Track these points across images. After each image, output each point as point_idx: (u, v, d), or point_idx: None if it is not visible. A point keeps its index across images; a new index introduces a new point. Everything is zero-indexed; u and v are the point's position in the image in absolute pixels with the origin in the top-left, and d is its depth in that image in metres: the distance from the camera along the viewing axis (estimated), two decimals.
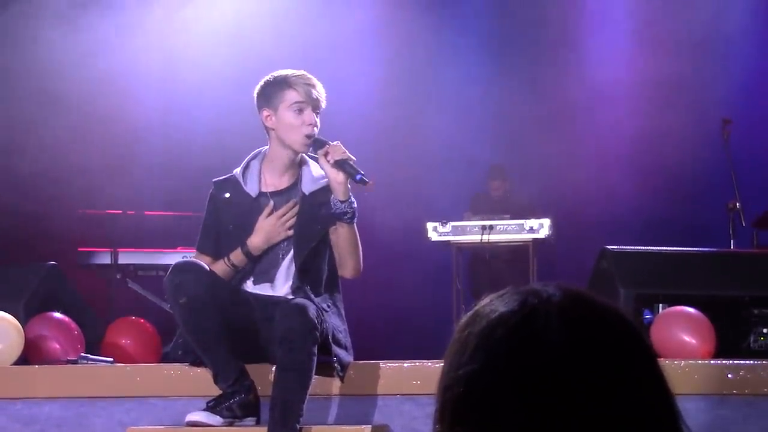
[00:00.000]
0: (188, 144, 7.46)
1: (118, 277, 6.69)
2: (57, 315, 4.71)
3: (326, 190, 3.88)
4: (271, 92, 3.85)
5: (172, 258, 5.91)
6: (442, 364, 1.02)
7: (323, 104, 3.86)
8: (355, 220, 3.84)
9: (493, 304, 1.01)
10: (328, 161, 3.77)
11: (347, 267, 3.90)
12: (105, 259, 6.77)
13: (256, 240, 3.88)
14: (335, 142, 3.79)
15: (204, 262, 3.84)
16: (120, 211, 6.89)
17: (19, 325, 4.40)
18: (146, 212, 7.12)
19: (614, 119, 8.19)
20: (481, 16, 8.61)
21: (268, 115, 3.85)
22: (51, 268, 5.07)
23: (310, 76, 3.88)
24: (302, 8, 7.91)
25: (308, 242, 3.86)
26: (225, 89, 6.93)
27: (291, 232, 3.88)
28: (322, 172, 3.88)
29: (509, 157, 8.04)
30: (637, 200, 7.99)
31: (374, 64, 8.40)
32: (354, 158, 3.79)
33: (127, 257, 6.74)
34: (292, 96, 3.82)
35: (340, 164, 3.75)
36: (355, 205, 3.82)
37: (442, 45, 8.43)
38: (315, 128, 3.82)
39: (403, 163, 8.09)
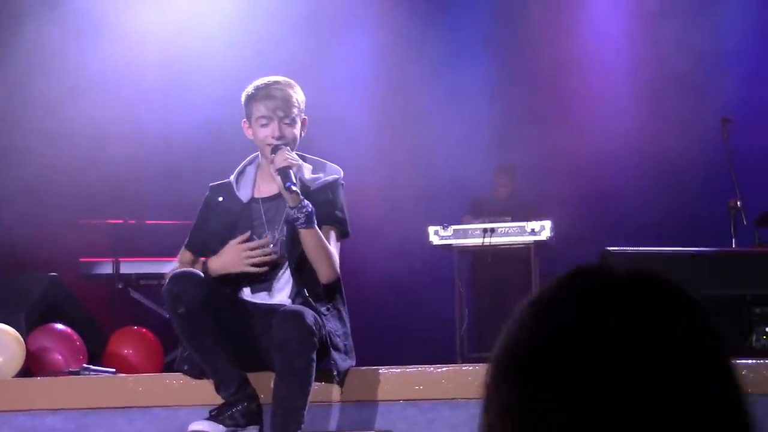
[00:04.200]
0: (189, 152, 7.46)
1: (119, 286, 6.68)
2: (59, 326, 4.71)
3: (317, 192, 3.90)
4: (246, 106, 3.93)
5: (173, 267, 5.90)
6: (499, 341, 0.97)
7: (294, 110, 3.87)
8: (313, 225, 3.78)
9: (552, 282, 0.98)
10: (275, 168, 3.79)
11: (318, 273, 3.85)
12: (106, 269, 6.76)
13: (215, 263, 3.88)
14: (283, 149, 3.80)
15: (186, 259, 3.94)
16: (121, 221, 6.89)
17: (21, 337, 4.40)
18: (147, 221, 7.11)
19: (614, 119, 8.18)
20: (481, 18, 8.61)
21: (247, 128, 3.94)
22: (52, 279, 5.08)
23: (277, 85, 3.88)
24: (303, 10, 7.91)
25: (298, 245, 3.86)
26: (226, 96, 6.92)
27: (251, 269, 3.85)
28: (315, 175, 3.92)
29: (510, 159, 8.03)
30: (637, 201, 7.99)
31: (375, 67, 8.40)
32: (298, 163, 3.78)
33: (128, 267, 6.74)
34: (259, 110, 3.87)
35: (280, 171, 3.77)
36: (309, 210, 3.77)
37: (444, 48, 8.43)
38: (279, 140, 3.83)
39: (403, 166, 8.10)
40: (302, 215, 3.76)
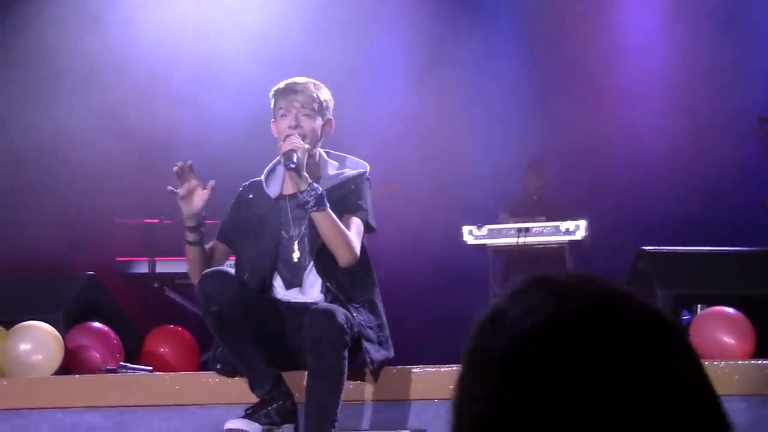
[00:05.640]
0: (225, 152, 7.50)
1: (155, 285, 6.73)
2: (96, 325, 4.75)
3: (339, 187, 3.92)
4: (272, 104, 3.99)
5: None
6: (455, 381, 0.90)
7: (314, 104, 3.91)
8: (325, 208, 3.79)
9: (518, 305, 0.89)
10: (281, 152, 3.84)
11: (336, 256, 3.86)
12: (143, 268, 6.81)
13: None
14: (292, 135, 3.84)
15: (216, 249, 4.03)
16: (157, 220, 6.93)
17: (59, 335, 4.44)
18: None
19: (649, 118, 8.13)
20: (513, 15, 8.59)
21: (273, 125, 4.00)
22: (90, 278, 5.12)
23: (299, 82, 3.95)
24: (335, 9, 7.92)
25: (320, 239, 3.88)
26: (260, 95, 6.96)
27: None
28: (340, 171, 3.97)
29: (543, 158, 8.00)
30: (673, 200, 7.93)
31: (407, 68, 8.40)
32: (304, 147, 3.80)
33: (164, 266, 6.78)
34: (279, 105, 3.95)
35: (284, 154, 3.81)
36: (319, 192, 3.79)
37: (477, 46, 8.40)
38: (295, 129, 3.88)
39: (438, 166, 8.09)
40: (312, 198, 3.78)
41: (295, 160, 3.77)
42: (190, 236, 3.95)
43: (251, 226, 4.01)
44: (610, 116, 8.19)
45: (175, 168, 3.91)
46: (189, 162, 3.94)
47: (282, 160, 3.83)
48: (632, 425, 0.83)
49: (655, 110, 8.15)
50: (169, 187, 3.90)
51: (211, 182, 3.91)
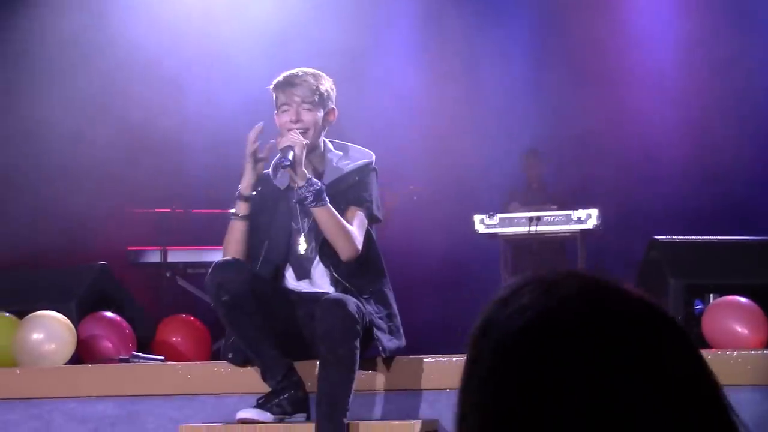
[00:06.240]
0: (236, 141, 7.50)
1: (167, 275, 6.74)
2: (108, 314, 4.76)
3: (343, 179, 3.91)
4: (273, 97, 3.97)
5: (220, 255, 5.93)
6: (459, 384, 0.90)
7: (315, 97, 3.90)
8: (324, 203, 3.79)
9: (505, 309, 0.88)
10: (279, 148, 3.84)
11: (337, 249, 3.86)
12: (154, 257, 6.82)
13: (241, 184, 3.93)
14: (292, 131, 3.83)
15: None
16: (168, 209, 6.94)
17: (72, 325, 4.46)
18: (194, 210, 7.17)
19: (661, 107, 8.10)
20: (525, 3, 8.55)
21: (276, 117, 3.97)
22: (101, 267, 5.12)
23: (299, 74, 3.93)
24: (347, 1, 7.91)
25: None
26: (266, 82, 6.95)
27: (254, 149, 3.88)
28: (344, 162, 3.95)
29: (555, 147, 7.99)
30: (686, 189, 7.90)
31: (416, 56, 8.38)
32: (302, 143, 3.79)
33: (176, 255, 6.80)
34: (280, 98, 3.94)
35: (282, 150, 3.80)
36: (317, 187, 3.79)
37: (485, 36, 8.38)
38: (296, 123, 3.87)
39: (449, 156, 8.08)
40: (310, 194, 3.78)
41: (290, 157, 3.75)
42: (244, 208, 3.92)
43: (263, 217, 4.00)
44: (622, 105, 8.16)
45: (259, 127, 3.86)
46: (262, 124, 3.90)
47: (279, 157, 3.81)
48: (626, 421, 0.82)
49: (667, 98, 8.11)
50: (272, 141, 3.87)
51: (259, 125, 3.88)
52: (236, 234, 3.94)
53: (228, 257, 3.92)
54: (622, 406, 0.82)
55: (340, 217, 3.83)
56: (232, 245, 3.94)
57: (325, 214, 3.80)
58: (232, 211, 3.95)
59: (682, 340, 0.87)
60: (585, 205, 6.89)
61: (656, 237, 4.84)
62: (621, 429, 0.82)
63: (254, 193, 3.95)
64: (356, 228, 3.87)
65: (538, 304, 0.87)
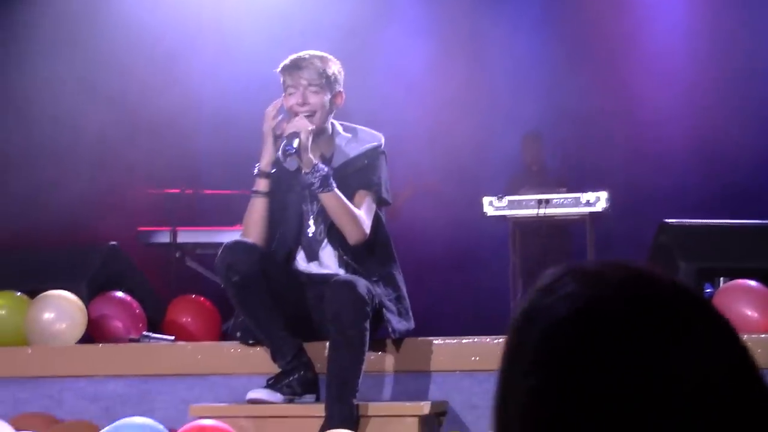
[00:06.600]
0: (247, 121, 7.50)
1: (177, 255, 6.75)
2: (119, 294, 4.77)
3: (351, 162, 3.91)
4: (281, 80, 3.96)
5: (230, 236, 5.89)
6: (498, 371, 0.91)
7: (322, 80, 3.89)
8: (330, 188, 3.79)
9: (548, 297, 0.89)
10: (285, 134, 3.84)
11: (345, 234, 3.87)
12: (164, 237, 6.82)
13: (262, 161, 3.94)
14: (299, 116, 3.83)
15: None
16: (178, 190, 6.94)
17: (83, 304, 4.47)
18: (204, 190, 7.17)
19: (672, 90, 8.07)
20: None
21: (284, 99, 3.95)
22: (112, 247, 5.14)
23: (306, 56, 3.92)
24: None
25: None
26: (274, 63, 6.95)
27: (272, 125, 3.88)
28: (353, 144, 3.95)
29: (565, 129, 7.97)
30: (696, 172, 7.88)
31: (428, 37, 8.36)
32: (308, 129, 3.79)
33: (186, 236, 6.79)
34: (287, 81, 3.93)
35: (287, 136, 3.81)
36: (324, 173, 3.79)
37: (493, 16, 8.35)
38: (303, 107, 3.86)
39: (457, 138, 8.06)
40: (316, 179, 3.79)
41: (294, 145, 3.75)
42: (264, 185, 3.93)
43: (277, 197, 4.00)
44: (632, 88, 8.13)
45: (277, 103, 3.87)
46: (280, 100, 3.90)
47: (284, 144, 3.81)
48: (669, 408, 0.84)
49: (677, 82, 8.08)
50: (284, 119, 3.87)
51: (278, 101, 3.88)
52: (258, 212, 3.93)
53: (245, 238, 3.91)
54: (667, 389, 0.84)
55: (348, 202, 3.83)
56: (253, 225, 3.94)
57: (332, 199, 3.81)
58: (253, 189, 3.95)
59: (725, 328, 0.89)
60: (594, 188, 6.87)
61: (666, 220, 4.83)
62: (666, 412, 0.83)
63: (273, 170, 3.95)
64: (364, 212, 3.87)
65: (584, 292, 0.88)
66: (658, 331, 0.86)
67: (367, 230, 3.86)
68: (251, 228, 3.93)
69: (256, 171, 3.94)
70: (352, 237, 3.85)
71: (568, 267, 0.92)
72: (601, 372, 0.84)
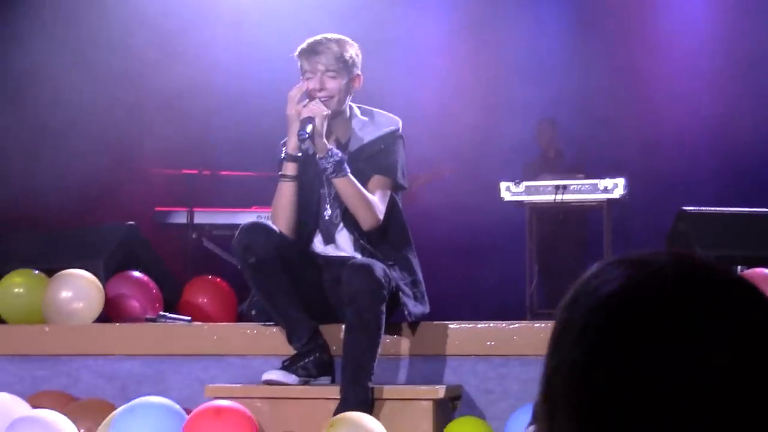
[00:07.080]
0: (264, 103, 7.51)
1: (193, 236, 6.77)
2: (136, 274, 4.79)
3: (368, 146, 3.91)
4: (298, 64, 3.94)
5: (247, 217, 5.94)
6: (546, 351, 0.94)
7: (339, 64, 3.87)
8: (344, 174, 3.78)
9: (596, 280, 0.92)
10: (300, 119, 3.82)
11: (358, 219, 3.86)
12: (181, 218, 6.84)
13: (288, 144, 3.90)
14: (315, 101, 3.81)
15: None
16: (196, 171, 6.96)
17: (100, 283, 4.49)
18: (222, 172, 7.19)
19: (691, 77, 8.03)
20: None
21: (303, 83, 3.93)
22: (129, 227, 5.15)
23: (323, 40, 3.89)
24: None
25: None
26: (291, 49, 6.94)
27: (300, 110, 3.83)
28: (370, 128, 3.93)
29: (584, 116, 7.95)
30: (714, 159, 7.85)
31: (444, 24, 8.34)
32: (324, 114, 3.77)
33: (202, 217, 6.82)
34: (304, 66, 3.91)
35: (302, 121, 3.79)
36: (338, 158, 3.78)
37: (520, 13, 8.32)
38: (320, 92, 3.84)
39: (475, 122, 8.05)
40: (330, 164, 3.78)
41: (308, 130, 3.74)
42: (292, 168, 3.91)
43: (300, 180, 3.99)
44: (652, 76, 8.10)
45: (301, 86, 3.86)
46: (303, 83, 3.88)
47: (299, 129, 3.80)
48: (701, 388, 0.86)
49: (695, 68, 8.05)
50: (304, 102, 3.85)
51: (301, 84, 3.87)
52: (286, 197, 3.91)
53: (255, 220, 3.92)
54: (702, 369, 0.86)
55: (361, 188, 3.82)
56: (282, 209, 3.91)
57: (346, 184, 3.81)
58: (280, 173, 3.94)
59: (766, 313, 0.91)
60: (611, 175, 6.85)
61: (685, 208, 4.82)
62: (699, 391, 0.86)
63: (300, 154, 3.95)
64: (378, 197, 3.86)
65: (628, 272, 0.92)
66: (698, 311, 0.88)
67: (381, 216, 3.86)
68: (280, 213, 3.92)
69: (282, 155, 3.93)
70: (365, 223, 3.85)
71: (616, 257, 0.96)
72: (641, 347, 0.87)
